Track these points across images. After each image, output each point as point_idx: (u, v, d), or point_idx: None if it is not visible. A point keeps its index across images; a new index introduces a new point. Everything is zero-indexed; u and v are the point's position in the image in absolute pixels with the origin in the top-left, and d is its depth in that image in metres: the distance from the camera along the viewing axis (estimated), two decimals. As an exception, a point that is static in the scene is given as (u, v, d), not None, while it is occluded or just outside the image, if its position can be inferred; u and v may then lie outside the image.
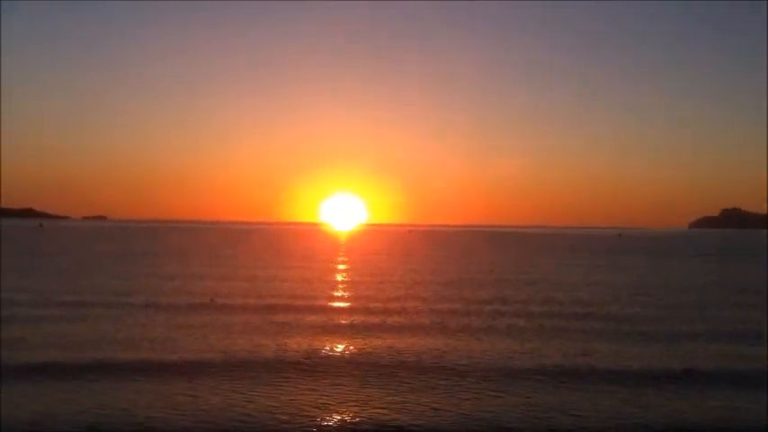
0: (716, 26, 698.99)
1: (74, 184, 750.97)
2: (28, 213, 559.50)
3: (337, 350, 18.03)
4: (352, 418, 12.02)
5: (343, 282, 37.99)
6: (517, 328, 21.75)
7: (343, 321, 22.75)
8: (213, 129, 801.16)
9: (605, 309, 26.68)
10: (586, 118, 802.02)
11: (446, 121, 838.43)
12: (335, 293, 31.82)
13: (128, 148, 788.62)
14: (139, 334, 19.80)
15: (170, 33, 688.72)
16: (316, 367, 15.86)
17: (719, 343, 19.66)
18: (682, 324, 22.99)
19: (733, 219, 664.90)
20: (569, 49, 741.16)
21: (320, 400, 13.03)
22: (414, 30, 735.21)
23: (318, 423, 11.74)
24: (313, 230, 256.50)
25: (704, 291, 34.80)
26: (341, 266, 50.87)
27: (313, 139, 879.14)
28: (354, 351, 17.85)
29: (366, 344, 18.72)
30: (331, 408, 12.58)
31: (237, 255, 65.79)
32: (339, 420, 11.88)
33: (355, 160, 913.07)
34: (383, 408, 12.57)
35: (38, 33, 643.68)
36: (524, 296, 30.81)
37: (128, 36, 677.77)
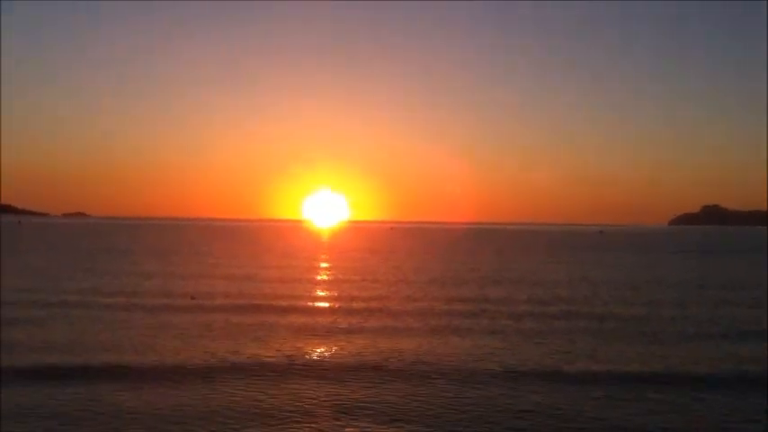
0: (701, 25, 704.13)
1: (53, 181, 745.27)
2: (6, 210, 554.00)
3: (315, 352, 17.54)
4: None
5: (323, 280, 37.69)
6: (496, 327, 21.37)
7: (321, 322, 22.23)
8: (195, 125, 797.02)
9: (586, 307, 26.54)
10: (568, 116, 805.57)
11: (429, 119, 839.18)
12: (316, 293, 31.55)
13: (108, 145, 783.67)
14: (119, 336, 19.26)
15: (150, 30, 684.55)
16: (290, 369, 15.51)
17: (700, 342, 19.39)
18: (662, 323, 22.74)
19: (713, 216, 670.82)
20: (552, 48, 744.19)
21: (298, 403, 12.77)
22: (397, 27, 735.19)
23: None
24: (295, 228, 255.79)
25: (685, 288, 34.80)
26: (323, 264, 50.58)
27: (296, 136, 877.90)
28: (330, 353, 17.55)
29: (342, 346, 18.38)
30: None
31: (219, 253, 65.28)
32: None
33: (338, 157, 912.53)
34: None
35: (23, 30, 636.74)
36: (506, 294, 30.66)
37: (107, 34, 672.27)
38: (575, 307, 26.49)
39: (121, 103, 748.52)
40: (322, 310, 25.28)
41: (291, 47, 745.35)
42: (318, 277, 39.66)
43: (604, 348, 18.23)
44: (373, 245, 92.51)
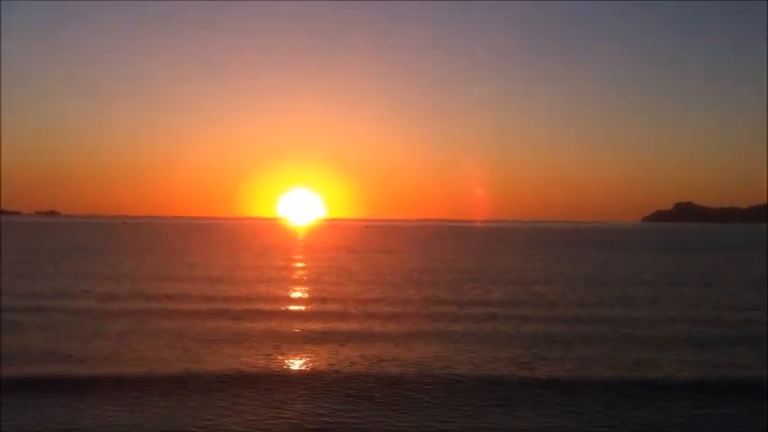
0: (682, 25, 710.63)
1: (25, 179, 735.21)
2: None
3: (288, 361, 16.77)
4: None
5: (299, 280, 37.34)
6: (464, 330, 20.87)
7: (294, 327, 21.21)
8: (169, 123, 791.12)
9: (565, 308, 26.53)
10: (541, 114, 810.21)
11: (404, 116, 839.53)
12: (291, 294, 31.18)
13: (81, 143, 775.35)
14: (91, 343, 18.30)
15: (128, 28, 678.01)
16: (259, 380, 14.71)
17: (670, 348, 18.27)
18: (636, 325, 22.21)
19: (686, 213, 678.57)
20: (528, 46, 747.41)
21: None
22: (371, 25, 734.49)
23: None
24: (271, 226, 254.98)
25: (661, 285, 34.97)
26: (298, 264, 50.26)
27: (270, 134, 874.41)
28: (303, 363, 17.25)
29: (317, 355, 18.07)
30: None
31: (195, 251, 64.73)
32: None
33: (312, 155, 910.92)
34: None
35: (5, 29, 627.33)
36: (481, 293, 30.62)
37: (83, 32, 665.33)
38: (550, 309, 26.46)
39: (96, 101, 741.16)
40: (296, 314, 24.34)
41: (266, 45, 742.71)
42: (294, 277, 39.35)
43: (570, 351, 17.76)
44: (349, 243, 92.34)
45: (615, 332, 20.54)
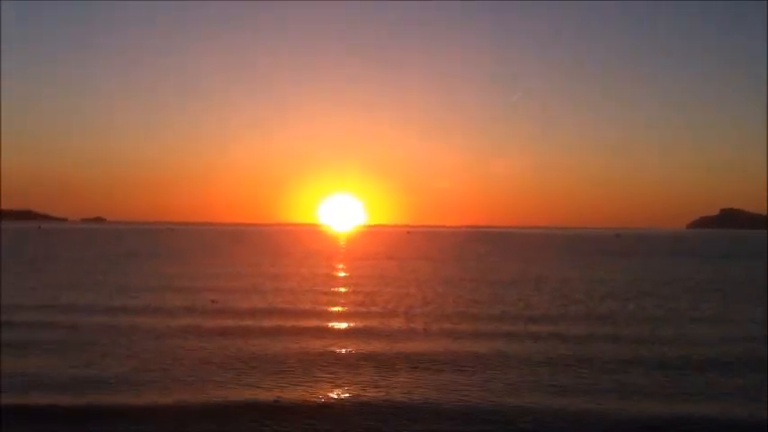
0: (717, 26, 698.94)
1: (72, 186, 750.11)
2: (27, 215, 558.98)
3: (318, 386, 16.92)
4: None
5: (340, 291, 37.88)
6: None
7: (335, 343, 19.36)
8: (211, 130, 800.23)
9: (635, 326, 26.71)
10: (585, 118, 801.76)
11: (446, 121, 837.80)
12: (334, 298, 31.74)
13: (126, 150, 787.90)
14: (169, 369, 16.07)
15: (168, 34, 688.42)
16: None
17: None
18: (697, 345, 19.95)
19: (731, 219, 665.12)
20: (568, 49, 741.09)
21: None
22: (414, 29, 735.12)
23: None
24: (312, 232, 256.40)
25: (698, 295, 34.86)
26: (339, 267, 50.93)
27: (311, 140, 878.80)
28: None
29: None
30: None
31: (238, 257, 65.76)
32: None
33: (354, 160, 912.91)
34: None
35: (38, 32, 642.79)
36: (519, 298, 30.88)
37: (127, 37, 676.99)
38: (593, 324, 26.69)
39: (140, 108, 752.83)
40: (353, 332, 22.45)
41: (309, 50, 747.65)
42: (334, 288, 39.82)
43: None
44: (390, 249, 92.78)
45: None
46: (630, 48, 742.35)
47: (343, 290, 35.04)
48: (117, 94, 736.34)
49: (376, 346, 18.96)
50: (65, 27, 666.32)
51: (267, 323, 22.92)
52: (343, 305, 28.62)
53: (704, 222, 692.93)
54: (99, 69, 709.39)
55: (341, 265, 55.41)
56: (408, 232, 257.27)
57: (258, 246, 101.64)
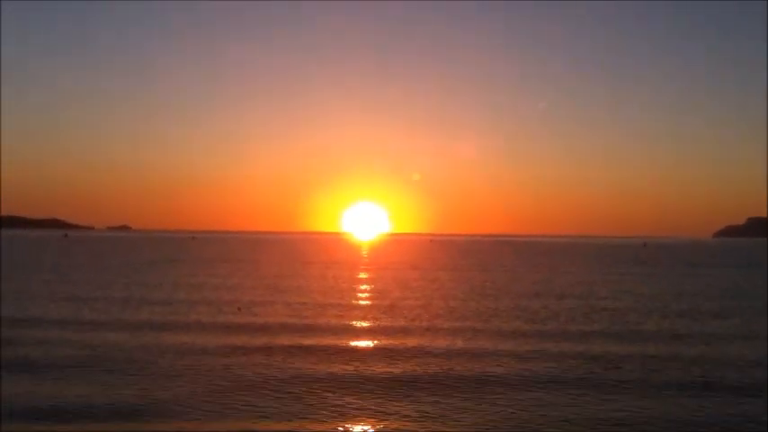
0: (749, 31, 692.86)
1: (98, 195, 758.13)
2: (53, 223, 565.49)
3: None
4: None
5: (363, 305, 37.53)
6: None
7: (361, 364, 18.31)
8: (235, 139, 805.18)
9: (631, 325, 26.10)
10: (610, 126, 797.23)
11: (471, 130, 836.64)
12: (360, 310, 31.43)
13: (151, 159, 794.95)
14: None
15: (190, 43, 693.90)
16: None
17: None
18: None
19: (758, 228, 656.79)
20: (592, 53, 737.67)
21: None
22: (436, 41, 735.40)
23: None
24: (336, 240, 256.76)
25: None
26: (363, 286, 50.64)
27: (335, 147, 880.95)
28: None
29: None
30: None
31: (263, 265, 65.73)
32: None
33: (377, 168, 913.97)
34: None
35: (64, 40, 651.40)
36: (546, 308, 30.32)
37: (149, 46, 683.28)
38: (612, 326, 26.08)
39: (164, 118, 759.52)
40: (365, 352, 23.12)
41: (330, 58, 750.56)
42: (359, 301, 39.52)
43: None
44: (414, 258, 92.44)
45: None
46: (655, 56, 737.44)
47: (365, 302, 34.55)
48: (141, 103, 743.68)
49: (431, 367, 17.65)
50: (90, 35, 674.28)
51: (306, 341, 21.44)
52: (367, 319, 27.72)
53: (731, 231, 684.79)
54: (124, 79, 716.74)
55: (364, 275, 55.08)
56: (431, 241, 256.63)
57: (281, 254, 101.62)
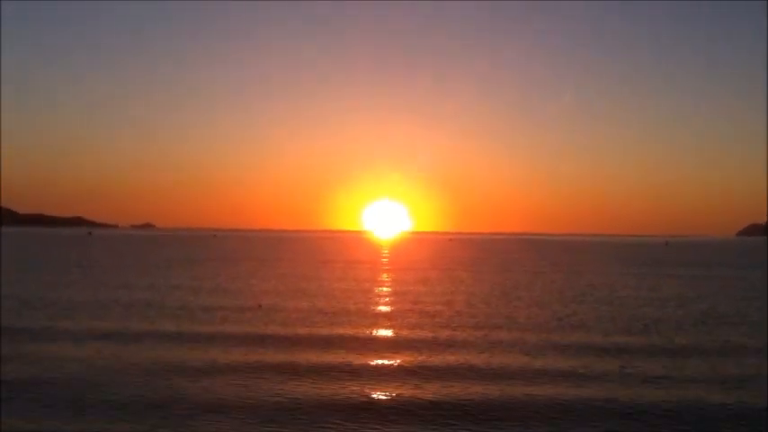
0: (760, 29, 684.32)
1: (121, 193, 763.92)
2: (77, 222, 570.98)
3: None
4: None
5: (386, 297, 37.77)
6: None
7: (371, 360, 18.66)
8: (256, 137, 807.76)
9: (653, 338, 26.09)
10: (633, 124, 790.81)
11: (491, 127, 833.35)
12: (379, 308, 31.61)
13: (173, 158, 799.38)
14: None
15: (209, 42, 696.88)
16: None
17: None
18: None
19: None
20: (612, 51, 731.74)
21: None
22: (459, 34, 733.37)
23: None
24: (356, 238, 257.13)
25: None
26: (384, 289, 50.83)
27: (355, 145, 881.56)
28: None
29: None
30: None
31: (284, 264, 66.06)
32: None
33: (398, 166, 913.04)
34: None
35: (89, 38, 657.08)
36: (566, 313, 30.33)
37: (169, 45, 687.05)
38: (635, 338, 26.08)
39: (185, 116, 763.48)
40: (379, 343, 22.38)
41: (351, 55, 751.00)
42: (379, 307, 39.66)
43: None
44: (433, 257, 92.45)
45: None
46: (683, 53, 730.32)
47: (388, 308, 34.68)
48: (163, 102, 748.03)
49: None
50: (113, 32, 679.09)
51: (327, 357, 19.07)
52: (393, 329, 26.78)
53: (754, 230, 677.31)
54: (148, 79, 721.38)
55: (384, 276, 55.34)
56: (450, 240, 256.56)
57: (302, 253, 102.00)
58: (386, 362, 18.69)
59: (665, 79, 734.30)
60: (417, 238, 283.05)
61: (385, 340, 22.61)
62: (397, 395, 15.05)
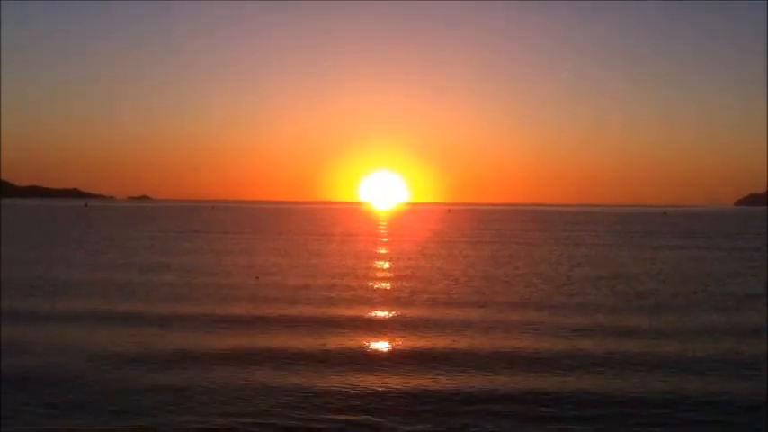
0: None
1: (118, 165, 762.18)
2: (73, 193, 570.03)
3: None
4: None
5: (385, 270, 37.46)
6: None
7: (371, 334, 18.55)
8: (252, 109, 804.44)
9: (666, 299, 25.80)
10: (630, 94, 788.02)
11: (489, 99, 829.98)
12: (378, 282, 31.27)
13: (171, 130, 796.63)
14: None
15: (210, 11, 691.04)
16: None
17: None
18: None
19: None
20: (612, 24, 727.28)
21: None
22: (456, 6, 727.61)
23: None
24: (353, 210, 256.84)
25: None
26: (382, 251, 50.58)
27: (352, 117, 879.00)
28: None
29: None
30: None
31: (284, 235, 65.80)
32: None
33: (395, 138, 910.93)
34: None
35: (83, 11, 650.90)
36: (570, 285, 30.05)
37: (167, 15, 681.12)
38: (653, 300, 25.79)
39: (183, 88, 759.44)
40: (379, 320, 22.95)
41: (351, 26, 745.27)
42: (378, 271, 39.41)
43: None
44: (433, 227, 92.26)
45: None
46: (676, 24, 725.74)
47: (386, 284, 34.39)
48: (160, 73, 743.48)
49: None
50: (112, 6, 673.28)
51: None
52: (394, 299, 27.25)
53: (753, 200, 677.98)
54: (141, 48, 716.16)
55: (383, 250, 55.09)
56: (449, 211, 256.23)
57: (299, 224, 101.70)
58: (387, 344, 17.96)
59: (663, 50, 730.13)
60: (415, 210, 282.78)
61: (387, 319, 22.20)
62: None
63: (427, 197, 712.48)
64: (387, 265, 39.37)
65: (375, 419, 11.64)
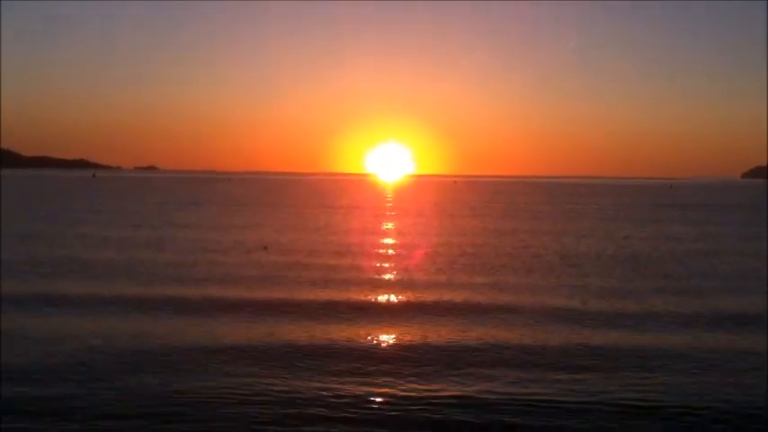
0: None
1: (126, 136, 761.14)
2: (81, 164, 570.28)
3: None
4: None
5: (387, 253, 37.89)
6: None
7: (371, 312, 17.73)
8: (261, 81, 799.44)
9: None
10: (638, 65, 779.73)
11: (494, 71, 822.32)
12: (383, 260, 31.82)
13: (179, 100, 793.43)
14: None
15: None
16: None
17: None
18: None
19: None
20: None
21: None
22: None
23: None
24: (359, 182, 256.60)
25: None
26: (390, 225, 51.10)
27: (360, 89, 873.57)
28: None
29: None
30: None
31: (289, 207, 66.24)
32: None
33: (402, 110, 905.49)
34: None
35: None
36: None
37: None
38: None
39: (192, 60, 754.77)
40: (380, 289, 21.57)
41: (357, 2, 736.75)
42: (383, 247, 39.93)
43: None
44: (438, 199, 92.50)
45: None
46: (686, 5, 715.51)
47: (391, 251, 34.98)
48: (168, 44, 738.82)
49: None
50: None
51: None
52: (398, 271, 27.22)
53: (759, 172, 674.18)
54: (148, 20, 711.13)
55: (390, 224, 55.60)
56: (455, 182, 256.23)
57: (305, 197, 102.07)
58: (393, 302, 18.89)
59: (669, 22, 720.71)
60: (421, 181, 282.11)
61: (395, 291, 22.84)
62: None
63: (433, 169, 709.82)
64: (391, 235, 39.92)
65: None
